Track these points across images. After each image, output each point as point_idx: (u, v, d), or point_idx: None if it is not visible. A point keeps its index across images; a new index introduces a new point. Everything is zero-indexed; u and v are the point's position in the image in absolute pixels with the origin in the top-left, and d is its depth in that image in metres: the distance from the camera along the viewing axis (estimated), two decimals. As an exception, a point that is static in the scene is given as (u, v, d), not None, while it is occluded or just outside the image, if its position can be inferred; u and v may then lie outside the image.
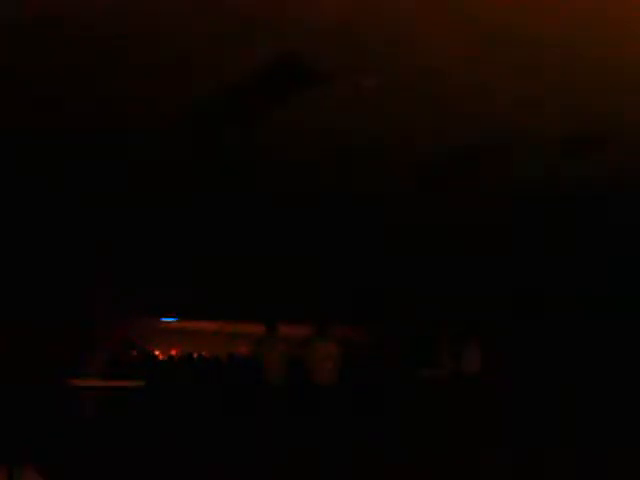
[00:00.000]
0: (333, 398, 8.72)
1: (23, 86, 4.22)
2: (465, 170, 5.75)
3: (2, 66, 3.94)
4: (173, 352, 18.10)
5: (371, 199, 6.71)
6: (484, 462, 6.79)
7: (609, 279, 11.07)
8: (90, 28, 3.48)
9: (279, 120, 4.68)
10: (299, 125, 4.78)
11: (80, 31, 3.51)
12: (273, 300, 14.99)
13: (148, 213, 7.53)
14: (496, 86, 4.07)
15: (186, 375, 13.72)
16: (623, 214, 7.14)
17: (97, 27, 3.48)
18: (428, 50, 3.64)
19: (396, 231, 8.18)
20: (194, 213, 7.45)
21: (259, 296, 14.74)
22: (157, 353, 18.11)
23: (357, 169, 5.77)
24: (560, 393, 12.10)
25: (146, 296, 14.82)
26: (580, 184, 6.07)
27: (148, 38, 3.58)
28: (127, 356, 17.28)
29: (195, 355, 17.76)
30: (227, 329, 19.86)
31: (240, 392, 9.73)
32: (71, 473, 5.16)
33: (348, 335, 16.87)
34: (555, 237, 8.31)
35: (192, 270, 11.47)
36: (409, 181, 6.07)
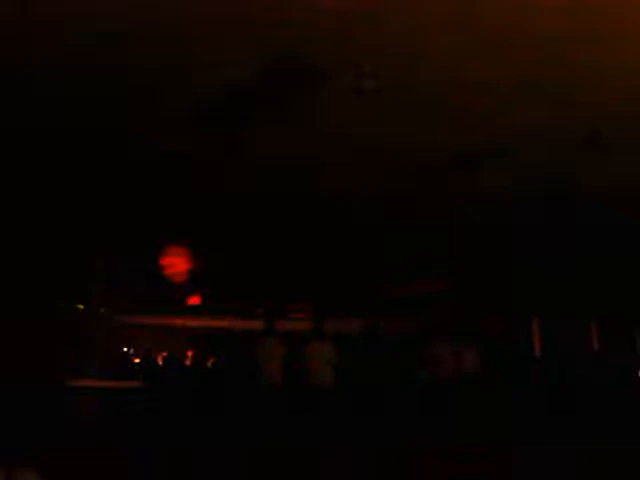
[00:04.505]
0: (332, 398, 8.72)
1: (23, 86, 4.22)
2: (465, 170, 5.75)
3: (2, 65, 3.95)
4: (173, 352, 18.08)
5: (371, 199, 6.71)
6: (484, 462, 6.80)
7: (608, 278, 11.08)
8: (90, 28, 3.49)
9: (279, 120, 4.68)
10: (299, 125, 4.79)
11: (80, 31, 3.51)
12: (272, 300, 15.00)
13: (148, 213, 7.54)
14: (496, 86, 4.07)
15: (185, 375, 13.70)
16: (623, 214, 7.15)
17: (97, 27, 3.48)
18: (427, 50, 3.64)
19: (396, 231, 8.19)
20: (194, 213, 7.45)
21: (258, 296, 14.75)
22: (156, 353, 18.10)
23: (357, 169, 5.78)
24: (560, 393, 12.11)
25: (146, 296, 14.84)
26: (580, 184, 6.08)
27: (148, 38, 3.59)
28: (127, 356, 17.31)
29: (194, 355, 17.74)
30: (227, 329, 19.88)
31: (240, 392, 9.73)
32: (71, 473, 5.16)
33: (348, 335, 16.88)
34: (555, 237, 8.31)
35: (192, 270, 11.47)
36: (409, 181, 6.07)
